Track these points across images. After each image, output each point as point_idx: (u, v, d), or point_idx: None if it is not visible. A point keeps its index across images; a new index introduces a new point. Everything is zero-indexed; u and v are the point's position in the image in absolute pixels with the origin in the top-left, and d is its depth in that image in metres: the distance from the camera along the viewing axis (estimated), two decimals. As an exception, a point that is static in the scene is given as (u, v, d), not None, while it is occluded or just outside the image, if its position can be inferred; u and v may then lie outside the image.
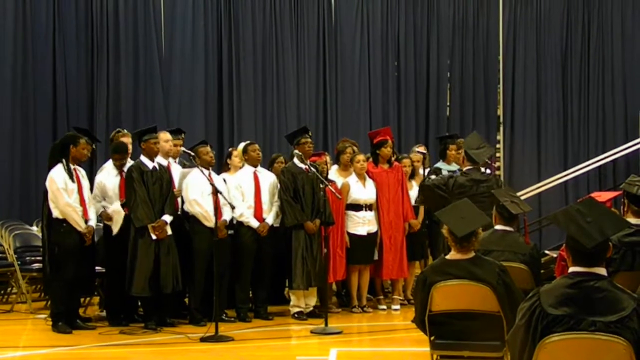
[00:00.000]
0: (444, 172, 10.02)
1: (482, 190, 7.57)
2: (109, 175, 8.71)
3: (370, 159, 9.76)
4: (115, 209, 8.55)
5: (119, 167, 8.68)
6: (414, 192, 9.88)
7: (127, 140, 9.01)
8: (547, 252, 10.43)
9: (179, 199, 8.83)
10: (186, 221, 8.84)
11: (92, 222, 8.37)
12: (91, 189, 8.67)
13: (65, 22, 12.40)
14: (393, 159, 9.77)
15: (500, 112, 14.38)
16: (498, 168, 13.74)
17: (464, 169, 8.11)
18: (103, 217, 8.71)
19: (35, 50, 12.24)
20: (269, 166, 9.75)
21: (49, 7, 12.33)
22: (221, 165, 9.99)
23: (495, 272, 4.98)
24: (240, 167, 9.32)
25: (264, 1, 13.41)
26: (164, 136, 8.87)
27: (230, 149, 10.04)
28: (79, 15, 12.53)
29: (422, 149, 10.32)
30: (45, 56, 12.28)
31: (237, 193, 8.96)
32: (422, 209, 9.89)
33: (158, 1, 12.95)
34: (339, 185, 9.37)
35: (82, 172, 8.51)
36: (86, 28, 12.56)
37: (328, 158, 9.94)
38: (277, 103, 13.38)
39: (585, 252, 3.49)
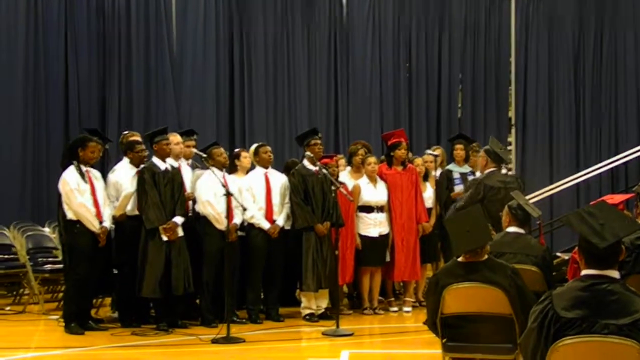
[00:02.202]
0: (455, 174, 10.06)
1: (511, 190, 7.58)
2: (124, 175, 8.67)
3: (384, 161, 9.75)
4: (126, 193, 8.55)
5: (137, 164, 8.65)
6: (427, 193, 9.87)
7: (136, 139, 9.02)
8: (558, 254, 10.40)
9: (191, 201, 8.83)
10: (197, 222, 8.85)
11: (106, 223, 8.36)
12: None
13: (76, 25, 12.46)
14: (407, 160, 9.76)
15: (512, 113, 14.34)
16: (510, 169, 13.71)
17: (486, 171, 8.20)
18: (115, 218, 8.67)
19: (46, 52, 12.29)
20: (284, 171, 9.72)
21: (60, 9, 12.39)
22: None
23: (508, 274, 4.97)
24: (249, 169, 9.31)
25: (275, 2, 13.42)
26: (175, 138, 8.89)
27: (237, 150, 9.95)
28: (90, 17, 12.59)
29: (438, 151, 10.31)
30: (56, 58, 12.34)
31: (248, 195, 8.96)
32: (434, 212, 9.87)
33: (169, 3, 12.99)
34: (349, 187, 9.37)
35: (95, 174, 8.49)
36: (97, 30, 12.62)
37: (343, 160, 9.92)
38: (289, 105, 13.40)
39: (598, 254, 3.48)
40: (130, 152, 8.72)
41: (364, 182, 9.46)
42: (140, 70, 12.72)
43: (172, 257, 8.30)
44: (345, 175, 9.61)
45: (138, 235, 8.35)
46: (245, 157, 9.40)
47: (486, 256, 5.03)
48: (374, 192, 9.44)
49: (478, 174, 9.99)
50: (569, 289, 3.52)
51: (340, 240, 9.07)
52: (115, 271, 8.80)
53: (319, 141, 9.23)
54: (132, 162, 8.70)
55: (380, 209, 9.46)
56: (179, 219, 8.39)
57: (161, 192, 8.36)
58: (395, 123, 13.37)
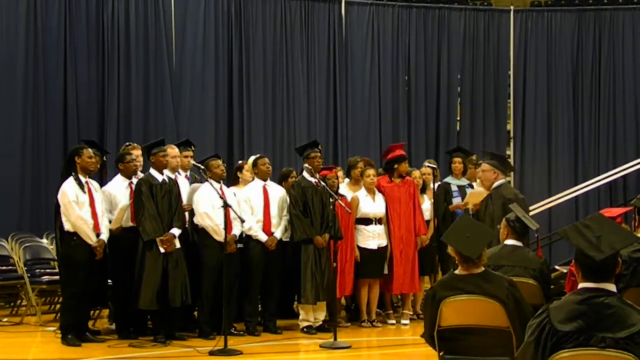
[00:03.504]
0: (453, 187, 10.05)
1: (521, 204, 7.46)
2: (117, 187, 8.72)
3: (382, 174, 9.76)
4: (122, 206, 8.54)
5: (134, 172, 8.68)
6: (425, 206, 9.87)
7: (137, 152, 9.03)
8: (557, 267, 10.38)
9: (187, 213, 8.84)
10: (195, 234, 8.85)
11: (104, 235, 8.37)
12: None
13: (76, 39, 12.47)
14: (405, 173, 9.78)
15: (510, 126, 14.38)
16: (508, 182, 13.72)
17: (497, 184, 7.86)
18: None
19: (46, 64, 12.30)
20: (280, 181, 9.75)
21: (60, 22, 12.40)
22: (230, 179, 9.98)
23: (505, 286, 4.95)
24: (250, 181, 9.32)
25: (274, 15, 13.47)
26: (172, 151, 8.89)
27: (240, 162, 10.03)
28: (90, 30, 12.61)
29: (433, 163, 10.33)
30: (56, 71, 12.35)
31: (246, 207, 8.96)
32: (432, 224, 9.88)
33: (169, 17, 13.02)
34: (349, 199, 9.37)
35: (94, 185, 8.51)
36: (97, 43, 12.63)
37: (341, 173, 9.93)
38: (287, 117, 13.42)
39: (595, 267, 3.47)
40: (121, 163, 8.75)
41: (362, 194, 9.47)
42: (140, 84, 12.74)
43: (169, 269, 8.29)
44: (344, 188, 9.62)
45: (134, 246, 8.35)
46: (248, 170, 9.43)
47: (483, 268, 5.02)
48: (373, 205, 9.45)
49: (475, 185, 10.00)
50: (566, 302, 3.52)
51: (340, 252, 9.08)
52: (110, 282, 8.80)
53: (318, 154, 9.24)
54: (123, 173, 8.73)
55: (378, 221, 9.46)
56: (176, 231, 8.39)
57: (158, 203, 8.36)
58: (394, 136, 13.40)
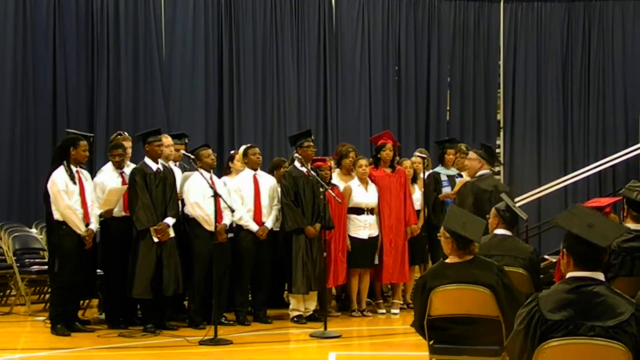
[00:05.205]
0: (442, 176, 10.06)
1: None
2: (109, 177, 8.70)
3: (372, 163, 9.77)
4: (110, 189, 8.52)
5: (118, 165, 8.67)
6: (415, 195, 9.88)
7: (128, 144, 9.02)
8: (546, 257, 10.42)
9: (179, 202, 8.83)
10: (186, 224, 8.84)
11: (93, 225, 8.35)
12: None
13: (65, 27, 12.40)
14: (395, 162, 9.78)
15: (500, 116, 14.39)
16: (498, 173, 13.74)
17: (479, 174, 7.94)
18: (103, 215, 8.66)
19: (35, 54, 12.23)
20: (271, 170, 9.73)
21: (49, 11, 12.32)
22: (221, 169, 9.97)
23: (495, 272, 4.99)
24: (242, 171, 9.31)
25: (264, 4, 13.41)
26: (167, 140, 8.88)
27: (232, 152, 10.02)
28: (79, 19, 12.54)
29: (423, 153, 10.34)
30: (45, 60, 12.28)
31: (236, 196, 8.95)
32: (422, 214, 9.89)
33: (158, 6, 12.95)
34: (341, 189, 9.36)
35: (85, 175, 8.49)
36: (86, 32, 12.56)
37: (332, 163, 9.95)
38: (278, 107, 13.38)
39: (590, 255, 3.47)
40: (110, 155, 8.78)
41: (354, 184, 9.47)
42: (129, 73, 12.66)
43: (163, 258, 8.30)
44: (334, 177, 9.62)
45: (124, 236, 8.34)
46: (239, 160, 9.43)
47: (473, 256, 5.04)
48: (365, 194, 9.45)
49: (465, 175, 10.02)
50: (555, 291, 3.53)
51: (333, 242, 9.11)
52: (101, 272, 8.79)
53: (312, 143, 9.23)
54: (113, 164, 8.73)
55: (370, 211, 9.47)
56: (170, 220, 8.38)
57: (152, 193, 8.35)
58: (384, 126, 13.36)
